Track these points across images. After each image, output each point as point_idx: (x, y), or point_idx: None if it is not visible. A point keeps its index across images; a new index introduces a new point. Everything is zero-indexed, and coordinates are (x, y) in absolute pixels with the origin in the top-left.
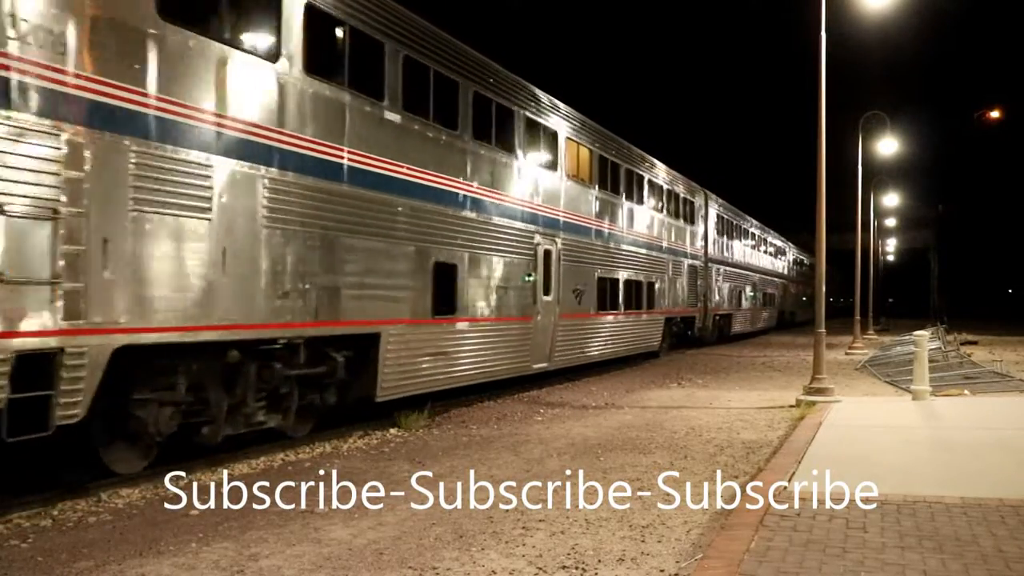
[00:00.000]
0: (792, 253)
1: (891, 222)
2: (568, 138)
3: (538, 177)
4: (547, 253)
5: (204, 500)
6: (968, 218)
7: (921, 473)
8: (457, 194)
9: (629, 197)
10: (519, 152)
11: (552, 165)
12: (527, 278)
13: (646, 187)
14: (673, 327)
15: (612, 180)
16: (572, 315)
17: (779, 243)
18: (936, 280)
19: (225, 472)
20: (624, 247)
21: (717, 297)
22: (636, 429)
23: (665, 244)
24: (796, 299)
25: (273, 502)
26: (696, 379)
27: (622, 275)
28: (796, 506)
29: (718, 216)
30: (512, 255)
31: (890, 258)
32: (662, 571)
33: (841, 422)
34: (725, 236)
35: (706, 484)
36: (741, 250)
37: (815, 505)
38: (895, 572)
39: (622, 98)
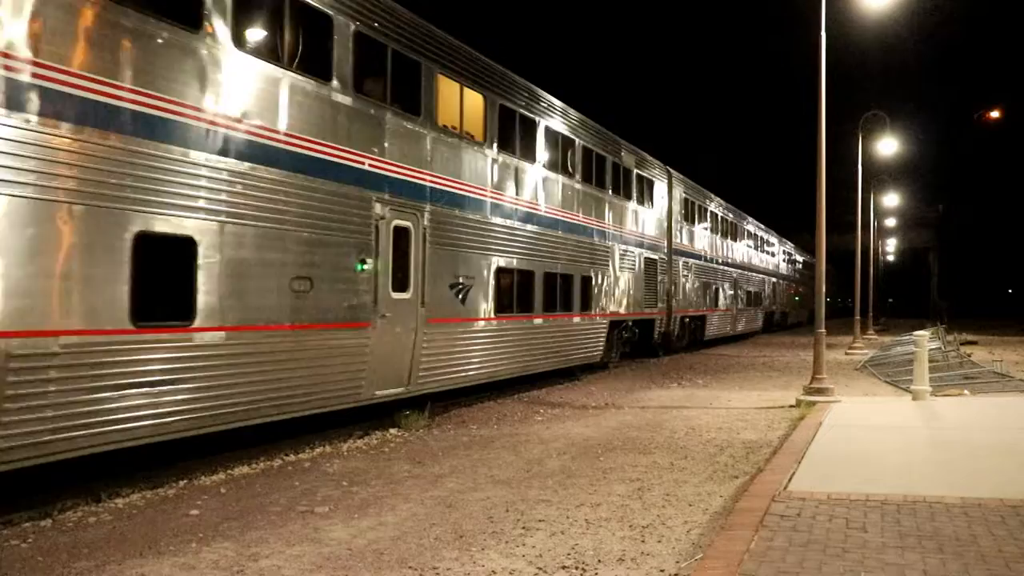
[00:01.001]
0: (783, 248)
1: (891, 222)
2: (443, 75)
3: (383, 122)
4: (400, 232)
5: (204, 500)
6: (968, 218)
7: (921, 473)
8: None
9: (554, 167)
10: (337, 82)
11: (413, 108)
12: (360, 267)
13: (579, 155)
14: (623, 332)
15: (523, 140)
16: (449, 320)
17: (766, 236)
18: (936, 280)
19: (225, 472)
20: (542, 230)
21: (685, 296)
22: (636, 429)
23: (610, 230)
24: (788, 299)
25: (273, 502)
26: (696, 379)
27: (538, 267)
28: (796, 506)
29: (686, 200)
30: (319, 231)
31: (890, 258)
32: (662, 571)
33: (841, 422)
34: (696, 224)
35: (706, 484)
36: (717, 242)
37: (815, 505)
38: (895, 572)
39: (622, 98)
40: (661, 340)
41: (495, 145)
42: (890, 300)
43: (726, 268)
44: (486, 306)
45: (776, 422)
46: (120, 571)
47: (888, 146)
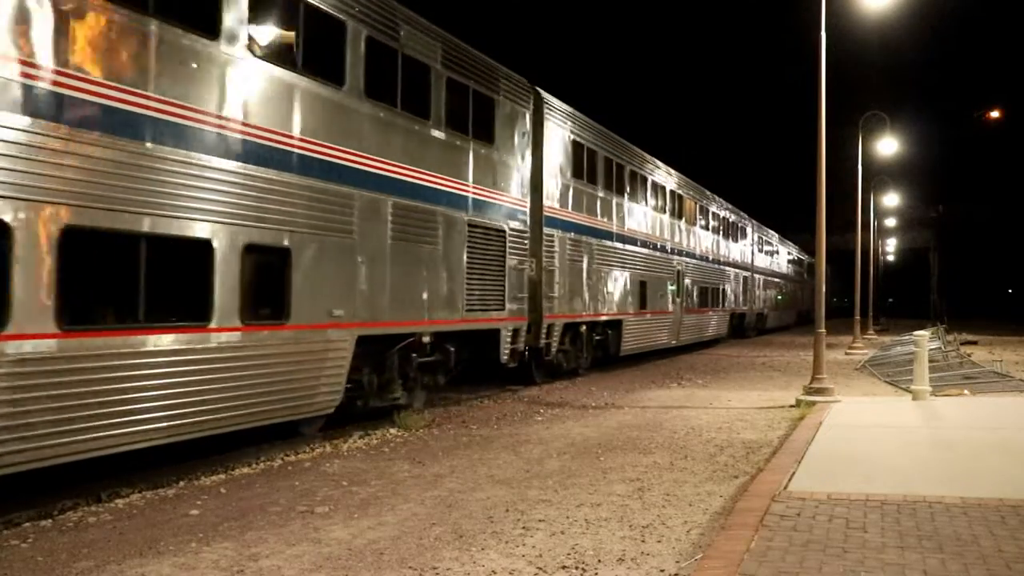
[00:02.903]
0: (762, 238)
1: (891, 222)
2: None
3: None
4: None
5: (204, 500)
6: (968, 218)
7: (921, 473)
8: None
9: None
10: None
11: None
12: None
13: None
14: (417, 354)
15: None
16: None
17: (738, 221)
18: (936, 280)
19: (225, 472)
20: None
21: (573, 292)
22: (636, 429)
23: (399, 174)
24: (768, 299)
25: (273, 502)
26: (696, 379)
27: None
28: (796, 506)
29: (576, 146)
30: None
31: (890, 258)
32: (662, 571)
33: (841, 422)
34: (600, 187)
35: (706, 484)
36: (646, 219)
37: (815, 505)
38: (895, 572)
39: (622, 98)
40: (528, 359)
41: None
42: (890, 300)
43: (665, 256)
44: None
45: (776, 422)
46: (120, 571)
47: (888, 146)
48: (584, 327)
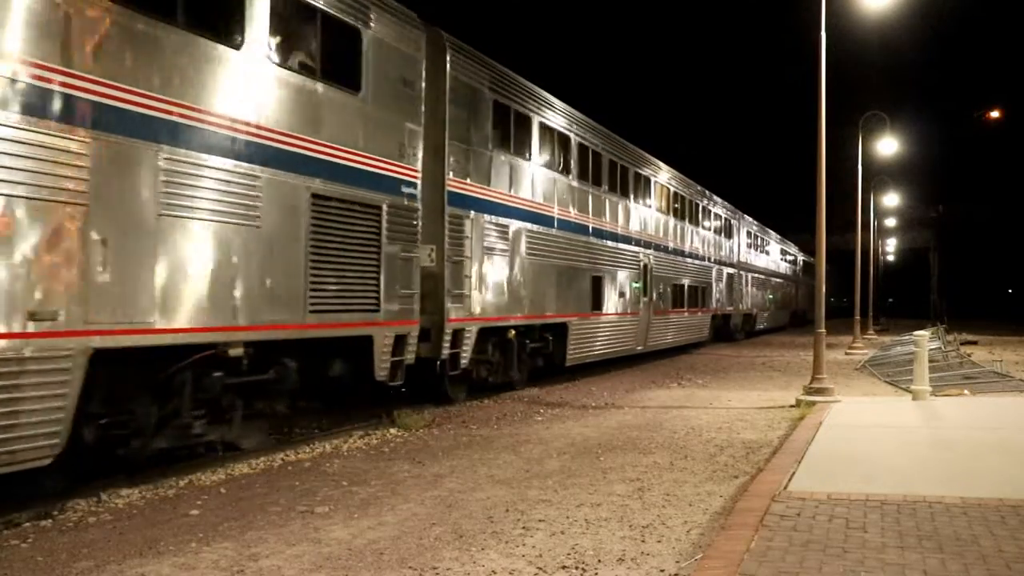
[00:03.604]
0: (747, 230)
1: (891, 222)
2: None
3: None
4: None
5: (204, 500)
6: (968, 218)
7: (921, 473)
8: None
9: None
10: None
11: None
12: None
13: None
14: (217, 377)
15: None
16: None
17: (720, 210)
18: (936, 280)
19: (225, 472)
20: None
21: (490, 288)
22: (636, 429)
23: (177, 115)
24: (759, 299)
25: (273, 502)
26: (696, 379)
27: None
28: (796, 506)
29: (499, 107)
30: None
31: (890, 258)
32: (662, 571)
33: (841, 422)
34: (534, 161)
35: (706, 484)
36: (605, 203)
37: (815, 505)
38: (895, 572)
39: (622, 98)
40: (440, 373)
41: None
42: (890, 300)
43: (628, 248)
44: None
45: (776, 422)
46: (120, 571)
47: (888, 146)
48: (514, 332)
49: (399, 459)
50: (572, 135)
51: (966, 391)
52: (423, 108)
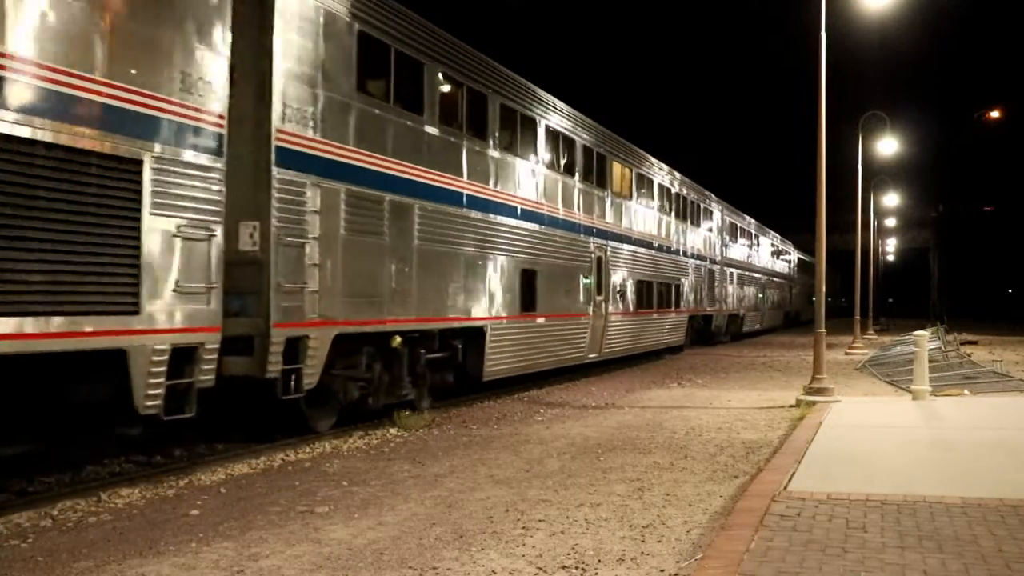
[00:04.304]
0: (734, 224)
1: (891, 222)
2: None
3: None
4: None
5: (204, 500)
6: (968, 218)
7: (921, 473)
8: None
9: None
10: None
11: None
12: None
13: None
14: None
15: None
16: None
17: (697, 198)
18: (936, 280)
19: (225, 472)
20: None
21: (358, 281)
22: (636, 429)
23: None
24: (747, 298)
25: (273, 502)
26: (696, 379)
27: None
28: (796, 506)
29: (365, 40)
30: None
31: (890, 258)
32: (662, 571)
33: (841, 422)
34: (426, 117)
35: (706, 484)
36: (538, 180)
37: (815, 505)
38: (895, 572)
39: (622, 98)
40: (294, 394)
41: None
42: (890, 300)
43: (573, 237)
44: None
45: (776, 422)
46: (120, 571)
47: (888, 146)
48: (400, 340)
49: (399, 459)
50: (489, 92)
51: (966, 391)
52: (230, 24)
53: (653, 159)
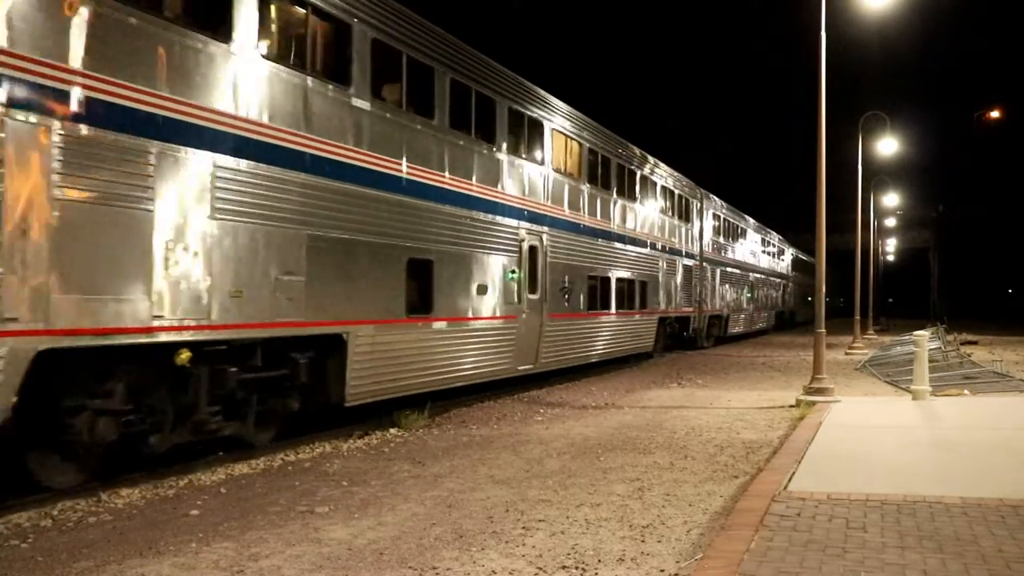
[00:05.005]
0: (717, 215)
1: (891, 222)
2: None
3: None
4: None
5: (204, 500)
6: (968, 218)
7: (921, 473)
8: None
9: None
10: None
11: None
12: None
13: None
14: None
15: None
16: None
17: (667, 182)
18: (936, 280)
19: (225, 472)
20: None
21: (99, 269)
22: (636, 429)
23: None
24: (733, 298)
25: (273, 502)
26: (696, 379)
27: None
28: (796, 506)
29: None
30: None
31: (890, 258)
32: (662, 571)
33: (841, 422)
34: (237, 43)
35: (706, 484)
36: (436, 147)
37: (815, 505)
38: (895, 572)
39: (622, 98)
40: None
41: None
42: (890, 300)
43: (491, 220)
44: None
45: (776, 422)
46: (120, 571)
47: (888, 146)
48: (188, 355)
49: (399, 459)
50: (354, 21)
51: (966, 391)
52: None
53: (616, 136)
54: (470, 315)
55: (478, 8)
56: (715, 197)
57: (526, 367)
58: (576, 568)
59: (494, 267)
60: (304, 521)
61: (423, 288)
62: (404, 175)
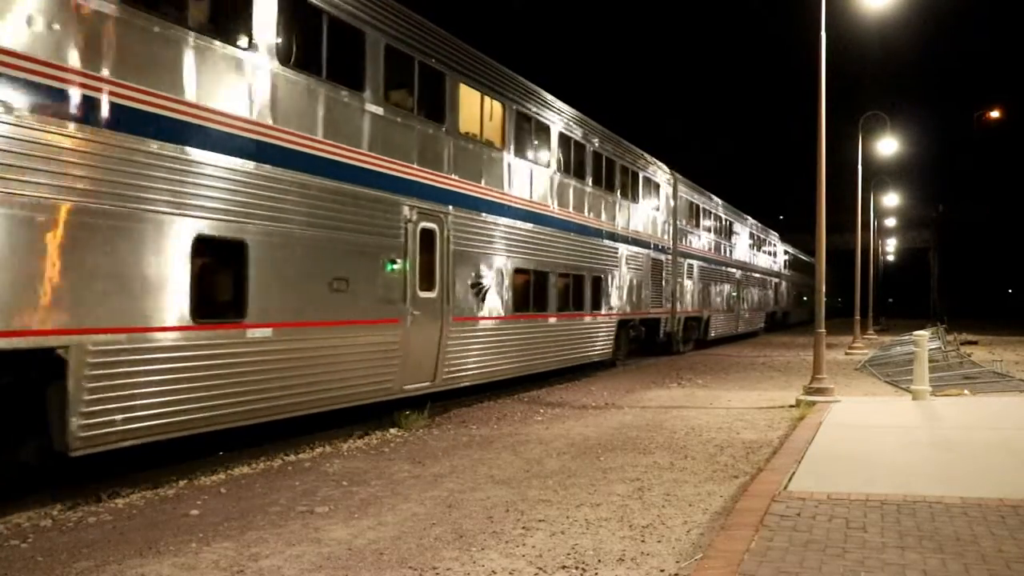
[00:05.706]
0: (695, 205)
1: (891, 222)
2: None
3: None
4: None
5: (204, 500)
6: (968, 218)
7: (921, 473)
8: None
9: None
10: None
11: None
12: None
13: None
14: None
15: None
16: None
17: (629, 163)
18: (936, 280)
19: (225, 472)
20: None
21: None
22: (636, 429)
23: None
24: (716, 298)
25: (273, 502)
26: (696, 379)
27: None
28: (796, 506)
29: None
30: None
31: (890, 258)
32: (662, 571)
33: (841, 422)
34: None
35: (706, 484)
36: (276, 90)
37: (815, 505)
38: (895, 572)
39: (622, 98)
40: None
41: None
42: (890, 300)
43: (366, 196)
44: None
45: (776, 422)
46: (120, 571)
47: (888, 146)
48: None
49: (399, 459)
50: None
51: (966, 391)
52: None
53: (553, 99)
54: (316, 319)
55: (478, 8)
56: (693, 183)
57: (419, 385)
58: (576, 568)
59: (361, 255)
60: (304, 521)
61: (232, 283)
62: (215, 125)
